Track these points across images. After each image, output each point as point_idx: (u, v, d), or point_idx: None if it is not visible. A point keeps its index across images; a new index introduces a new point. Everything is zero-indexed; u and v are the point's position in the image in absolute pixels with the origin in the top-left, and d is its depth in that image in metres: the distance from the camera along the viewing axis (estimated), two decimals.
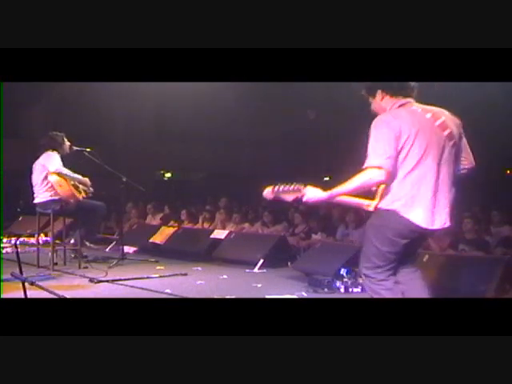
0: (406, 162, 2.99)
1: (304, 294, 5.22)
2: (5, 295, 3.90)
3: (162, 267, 6.84)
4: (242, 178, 15.52)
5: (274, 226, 8.53)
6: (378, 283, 3.14)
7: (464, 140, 3.20)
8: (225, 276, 6.26)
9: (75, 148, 6.89)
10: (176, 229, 8.71)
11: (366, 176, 2.96)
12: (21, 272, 3.17)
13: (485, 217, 7.58)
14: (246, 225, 8.95)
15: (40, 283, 3.10)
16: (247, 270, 6.73)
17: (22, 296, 3.05)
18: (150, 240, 8.51)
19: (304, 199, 3.11)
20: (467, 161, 3.22)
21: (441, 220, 3.07)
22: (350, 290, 5.32)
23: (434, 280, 4.97)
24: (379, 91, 3.17)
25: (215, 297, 4.90)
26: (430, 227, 3.04)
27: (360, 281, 5.43)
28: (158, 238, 8.47)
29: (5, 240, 8.32)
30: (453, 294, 4.56)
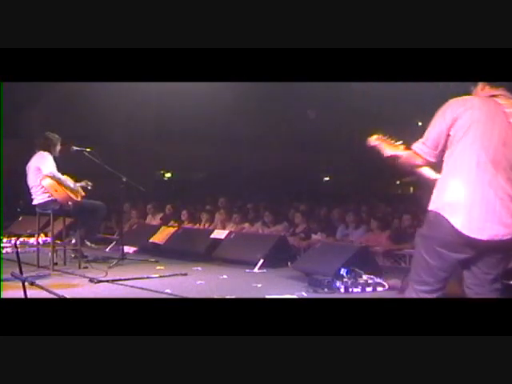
0: (457, 151, 2.69)
1: (304, 294, 5.22)
2: (5, 295, 3.89)
3: (161, 267, 6.85)
4: (242, 178, 15.53)
5: (274, 226, 8.54)
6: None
7: None
8: (225, 276, 6.26)
9: (75, 148, 6.88)
10: (176, 229, 8.72)
11: (407, 157, 2.88)
12: (21, 272, 3.17)
13: None
14: (246, 225, 8.96)
15: (40, 283, 3.10)
16: (247, 270, 6.73)
17: (22, 296, 3.05)
18: (150, 240, 8.51)
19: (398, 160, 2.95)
20: None
21: (492, 230, 2.61)
22: (350, 290, 5.32)
23: None
24: (480, 84, 2.89)
25: (215, 297, 4.90)
26: (474, 235, 2.60)
27: (360, 281, 5.45)
28: (158, 238, 8.47)
29: (5, 240, 8.32)
30: (453, 294, 4.56)
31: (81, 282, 5.68)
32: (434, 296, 2.77)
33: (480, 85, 2.87)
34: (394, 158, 2.96)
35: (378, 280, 5.57)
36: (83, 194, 6.87)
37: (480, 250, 2.68)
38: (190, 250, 7.80)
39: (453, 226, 2.63)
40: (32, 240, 8.20)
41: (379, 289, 5.47)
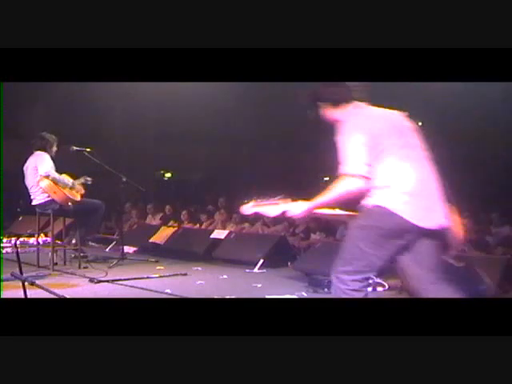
0: (388, 158, 2.89)
1: (304, 294, 5.22)
2: (5, 295, 3.89)
3: (161, 267, 6.85)
4: (241, 178, 15.51)
5: (274, 225, 8.54)
6: (348, 294, 2.89)
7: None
8: (225, 276, 6.26)
9: (75, 148, 6.87)
10: (176, 229, 8.72)
11: (345, 184, 2.89)
12: (21, 272, 3.16)
13: (485, 217, 7.59)
14: (246, 225, 8.95)
15: (40, 283, 3.09)
16: (247, 270, 6.73)
17: (22, 296, 3.05)
18: (150, 240, 8.51)
19: (288, 214, 3.04)
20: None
21: (437, 218, 2.88)
22: None
23: None
24: (322, 106, 3.13)
25: (215, 297, 4.90)
26: (428, 226, 2.84)
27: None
28: (158, 238, 8.47)
29: (5, 240, 8.32)
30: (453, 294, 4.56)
31: (81, 282, 5.68)
32: (364, 284, 2.89)
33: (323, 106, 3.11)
34: (284, 212, 3.03)
35: (378, 280, 5.56)
36: (83, 191, 6.85)
37: (423, 238, 2.89)
38: (189, 250, 7.80)
39: (403, 218, 2.81)
40: (32, 240, 8.21)
41: (379, 289, 5.47)
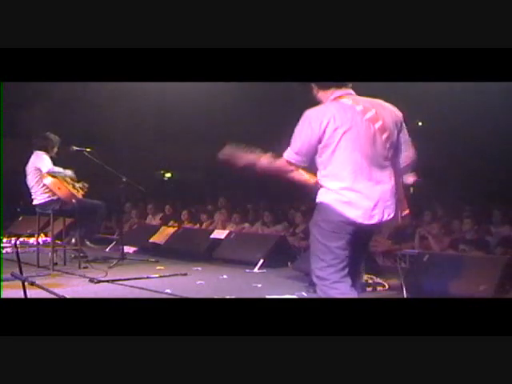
0: (334, 156, 2.98)
1: (304, 294, 5.22)
2: (5, 295, 3.89)
3: (162, 267, 6.84)
4: (241, 178, 15.52)
5: (274, 226, 8.54)
6: (332, 286, 2.99)
7: (403, 134, 3.14)
8: (225, 276, 6.26)
9: (75, 148, 6.87)
10: (176, 229, 8.71)
11: (280, 164, 3.08)
12: (21, 272, 3.16)
13: (485, 217, 7.59)
14: (246, 225, 8.95)
15: (40, 283, 3.10)
16: (247, 270, 6.73)
17: (22, 296, 3.05)
18: (150, 240, 8.50)
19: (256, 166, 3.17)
20: (406, 156, 3.16)
21: (380, 214, 3.00)
22: None
23: (434, 280, 4.98)
24: (313, 85, 3.17)
25: (215, 297, 4.90)
26: (367, 222, 2.98)
27: (360, 281, 5.44)
28: (158, 238, 8.47)
29: (5, 240, 8.32)
30: (453, 294, 4.57)
31: (81, 282, 5.68)
32: (341, 275, 2.99)
33: (317, 86, 3.15)
34: (252, 165, 3.18)
35: (378, 280, 5.57)
36: (84, 190, 6.87)
37: (363, 230, 3.05)
38: (190, 250, 7.80)
39: (345, 215, 2.96)
40: (32, 240, 8.21)
41: (379, 289, 5.47)
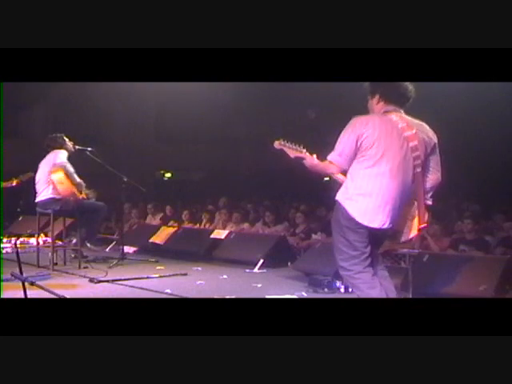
0: (363, 162, 3.26)
1: (304, 294, 5.22)
2: (5, 295, 3.89)
3: (162, 267, 6.84)
4: (242, 178, 15.51)
5: (274, 226, 8.54)
6: (357, 276, 3.28)
7: (435, 155, 3.41)
8: (225, 276, 6.26)
9: (77, 147, 6.91)
10: (176, 229, 8.71)
11: (324, 166, 3.38)
12: (21, 272, 3.16)
13: (485, 217, 7.59)
14: (246, 225, 8.95)
15: (40, 283, 3.09)
16: (247, 270, 6.73)
17: (22, 296, 3.05)
18: (150, 240, 8.50)
19: (303, 161, 3.45)
20: (432, 176, 3.42)
21: (380, 220, 3.25)
22: (350, 289, 5.30)
23: (434, 280, 4.98)
24: (377, 95, 3.38)
25: (215, 297, 4.90)
26: (366, 224, 3.24)
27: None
28: (158, 238, 8.47)
29: (5, 240, 8.32)
30: (453, 294, 4.56)
31: (81, 282, 5.68)
32: (364, 265, 3.27)
33: (375, 99, 3.40)
34: (300, 159, 3.47)
35: None
36: (85, 196, 6.87)
37: (370, 231, 3.29)
38: (190, 250, 7.79)
39: (350, 215, 3.25)
40: (32, 240, 8.20)
41: None
